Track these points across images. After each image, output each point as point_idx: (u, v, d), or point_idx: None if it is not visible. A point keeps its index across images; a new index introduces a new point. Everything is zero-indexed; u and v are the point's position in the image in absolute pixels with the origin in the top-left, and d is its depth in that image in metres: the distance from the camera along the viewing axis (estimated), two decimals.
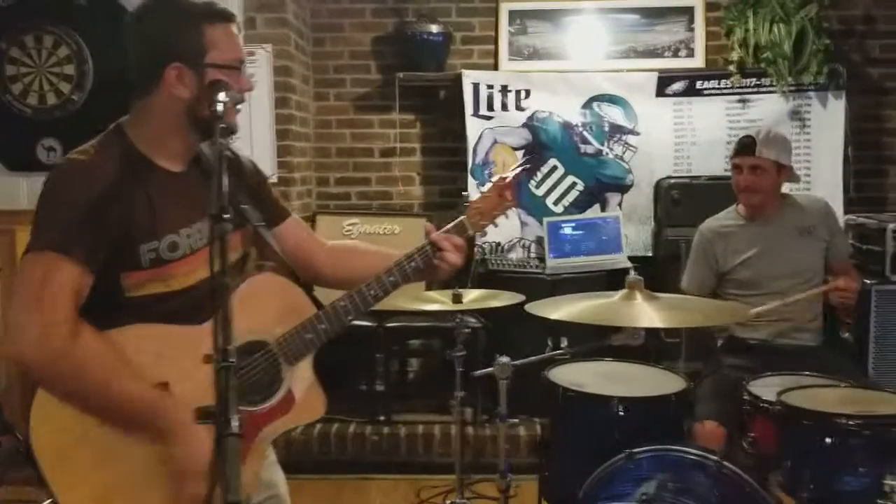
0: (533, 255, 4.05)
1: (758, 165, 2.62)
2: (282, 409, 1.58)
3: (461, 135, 4.08)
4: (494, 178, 1.71)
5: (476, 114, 4.08)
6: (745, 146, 2.64)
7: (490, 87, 4.08)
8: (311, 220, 3.86)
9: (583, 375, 2.31)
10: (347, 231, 3.61)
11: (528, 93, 4.09)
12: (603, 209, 4.11)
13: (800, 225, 2.68)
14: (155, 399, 1.42)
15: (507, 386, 2.09)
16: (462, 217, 1.67)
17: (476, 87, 4.07)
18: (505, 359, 2.07)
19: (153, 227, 1.47)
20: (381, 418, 3.51)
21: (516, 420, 2.24)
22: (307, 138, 4.19)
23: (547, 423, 2.30)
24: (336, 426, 3.48)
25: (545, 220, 4.00)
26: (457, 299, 2.49)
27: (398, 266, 1.62)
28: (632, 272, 3.80)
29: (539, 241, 4.04)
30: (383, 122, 4.29)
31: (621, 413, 2.09)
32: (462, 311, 2.54)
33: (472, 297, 2.57)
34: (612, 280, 3.65)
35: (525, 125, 4.09)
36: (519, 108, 4.09)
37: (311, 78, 4.28)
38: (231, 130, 1.45)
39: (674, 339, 3.69)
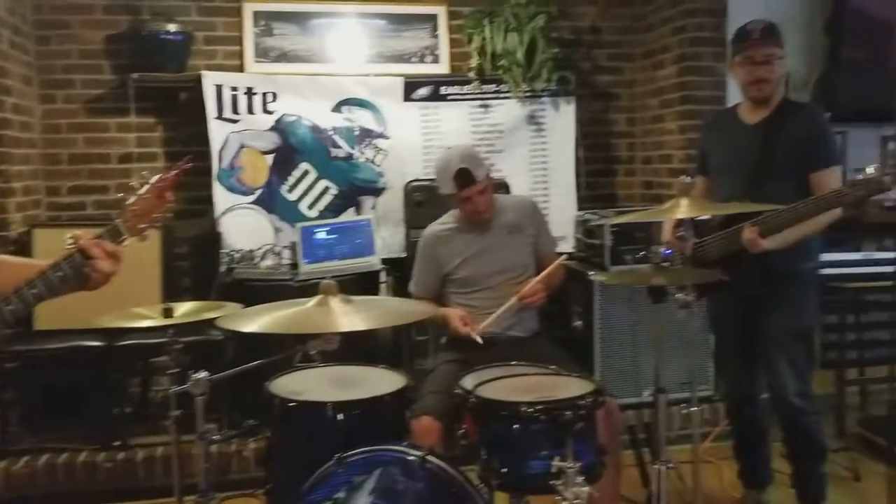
0: (286, 261, 3.98)
1: (484, 189, 2.73)
2: None
3: (206, 139, 3.91)
4: (153, 179, 1.61)
5: (220, 117, 3.92)
6: (467, 177, 2.69)
7: (234, 89, 3.94)
8: (28, 234, 3.51)
9: (308, 382, 2.27)
10: (71, 245, 3.30)
11: (275, 96, 4.00)
12: (358, 212, 4.13)
13: (509, 224, 2.82)
14: None
15: (204, 401, 2.01)
16: (117, 220, 1.56)
17: (219, 88, 3.91)
18: (202, 374, 1.99)
19: None
20: (118, 443, 3.27)
21: (217, 436, 2.14)
22: (31, 144, 3.82)
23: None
24: (64, 456, 3.20)
25: (298, 225, 3.95)
26: (167, 314, 2.36)
27: (41, 277, 1.49)
28: (382, 273, 3.92)
29: (293, 246, 3.98)
30: (120, 125, 4.00)
31: (339, 418, 2.08)
32: (173, 326, 2.40)
33: (185, 310, 2.45)
34: (363, 283, 3.69)
35: (273, 129, 4.00)
36: (266, 111, 3.99)
37: (36, 79, 3.91)
38: None
39: (423, 336, 3.80)
